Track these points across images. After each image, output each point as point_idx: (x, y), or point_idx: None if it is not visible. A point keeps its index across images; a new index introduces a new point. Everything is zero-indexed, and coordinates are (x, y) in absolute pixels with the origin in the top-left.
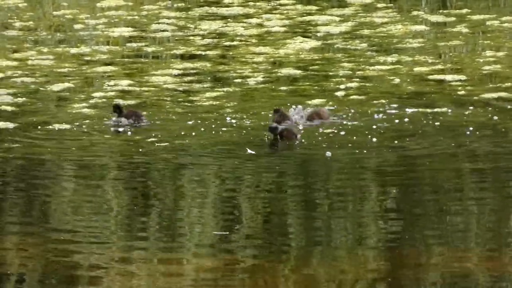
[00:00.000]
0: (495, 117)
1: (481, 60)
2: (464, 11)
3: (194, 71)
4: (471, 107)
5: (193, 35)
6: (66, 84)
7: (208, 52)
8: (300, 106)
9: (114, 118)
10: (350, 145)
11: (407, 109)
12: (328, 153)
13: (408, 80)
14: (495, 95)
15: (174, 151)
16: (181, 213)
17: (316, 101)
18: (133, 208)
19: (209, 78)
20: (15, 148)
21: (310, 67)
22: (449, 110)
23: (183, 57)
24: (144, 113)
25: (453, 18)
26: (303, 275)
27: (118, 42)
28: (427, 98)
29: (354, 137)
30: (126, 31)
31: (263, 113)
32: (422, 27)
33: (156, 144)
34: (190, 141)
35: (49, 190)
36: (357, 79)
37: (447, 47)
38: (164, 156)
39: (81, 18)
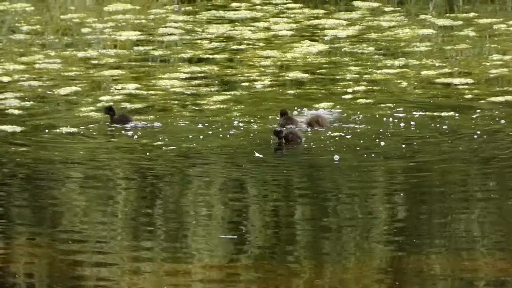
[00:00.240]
0: (502, 121)
1: (488, 64)
2: (471, 15)
3: (202, 74)
4: (478, 111)
5: (200, 39)
6: (74, 88)
7: (215, 56)
8: (306, 110)
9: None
10: (358, 148)
11: (414, 113)
12: (336, 157)
13: (415, 83)
14: (502, 98)
15: (182, 155)
16: (188, 217)
17: (323, 104)
18: (140, 211)
19: (216, 81)
20: (22, 151)
21: (317, 71)
22: (456, 114)
23: (190, 61)
24: (135, 117)
25: (460, 22)
26: (310, 280)
27: (125, 46)
28: (434, 101)
29: (361, 141)
30: (133, 35)
31: (270, 116)
32: (429, 31)
33: (164, 147)
34: (197, 144)
35: (56, 193)
36: (364, 83)
37: (454, 50)
38: (171, 160)
39: (89, 22)
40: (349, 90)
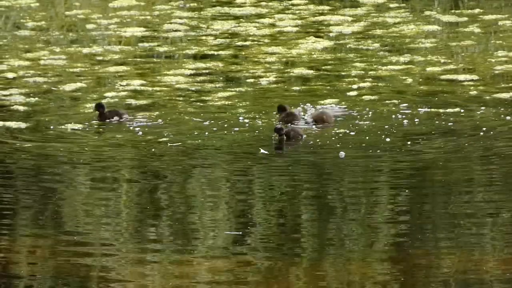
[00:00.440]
0: (508, 117)
1: (493, 60)
2: (476, 11)
3: (207, 71)
4: (483, 107)
5: (205, 35)
6: (79, 84)
7: (220, 52)
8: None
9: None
10: (363, 145)
11: (419, 109)
12: (342, 153)
13: (421, 80)
14: (507, 95)
15: (187, 151)
16: (194, 213)
17: (329, 101)
18: (145, 209)
19: (221, 78)
20: (27, 147)
21: (323, 67)
22: (462, 110)
23: (195, 57)
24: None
25: (465, 18)
26: (316, 276)
27: (130, 42)
28: (439, 98)
29: (367, 137)
30: (138, 31)
31: (275, 113)
32: (434, 27)
33: (169, 144)
34: (202, 141)
35: (61, 190)
36: (370, 79)
37: (459, 47)
38: (176, 156)
39: (93, 18)
40: (354, 86)
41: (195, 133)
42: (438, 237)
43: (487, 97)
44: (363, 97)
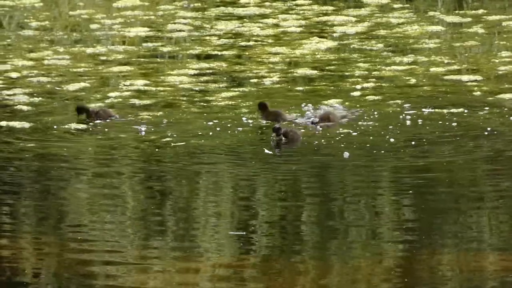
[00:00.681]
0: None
1: (497, 61)
2: (480, 11)
3: (210, 71)
4: (487, 108)
5: (209, 35)
6: (82, 84)
7: (224, 52)
8: (310, 105)
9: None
10: (368, 145)
11: (423, 110)
12: (346, 154)
13: (424, 80)
14: (511, 95)
15: (190, 151)
16: (197, 213)
17: (332, 101)
18: (149, 208)
19: (225, 78)
20: (31, 147)
21: (326, 68)
22: (465, 111)
23: (199, 57)
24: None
25: (469, 19)
26: (318, 278)
27: (134, 42)
28: (443, 98)
29: (371, 138)
30: (142, 31)
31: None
32: (438, 28)
33: (172, 144)
34: (206, 141)
35: (65, 189)
36: (373, 80)
37: (463, 47)
38: (180, 156)
39: (97, 18)
40: (358, 86)
41: (199, 133)
42: (443, 238)
43: (491, 98)
44: (367, 97)
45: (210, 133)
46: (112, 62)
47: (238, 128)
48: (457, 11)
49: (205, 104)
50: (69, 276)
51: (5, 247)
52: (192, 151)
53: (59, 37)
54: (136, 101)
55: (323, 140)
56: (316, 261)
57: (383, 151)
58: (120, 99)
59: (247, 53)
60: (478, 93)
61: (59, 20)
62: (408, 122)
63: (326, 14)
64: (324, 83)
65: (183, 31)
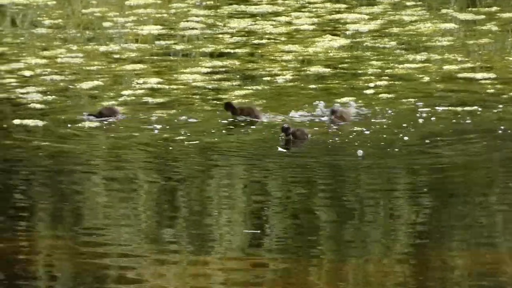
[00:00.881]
0: None
1: (511, 58)
2: (494, 9)
3: (223, 69)
4: (500, 106)
5: (222, 33)
6: (95, 82)
7: (237, 50)
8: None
9: (86, 115)
10: (381, 143)
11: (436, 107)
12: (360, 152)
13: (437, 78)
14: None
15: (204, 149)
16: (211, 212)
17: (345, 99)
18: (162, 206)
19: (238, 76)
20: (44, 146)
21: (339, 65)
22: (479, 109)
23: (212, 55)
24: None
25: (482, 16)
26: (332, 275)
27: (147, 40)
28: (456, 96)
29: (384, 136)
30: (155, 29)
31: (292, 111)
32: (451, 25)
33: (186, 142)
34: (219, 139)
35: (78, 188)
36: (386, 77)
37: (476, 45)
38: (193, 154)
39: (110, 16)
40: (371, 84)
41: (212, 131)
42: (457, 237)
43: (505, 95)
44: (380, 95)
45: (223, 131)
46: (125, 60)
47: (252, 126)
48: (470, 9)
49: (218, 102)
50: (84, 272)
51: (19, 247)
52: (205, 149)
53: (72, 35)
54: (149, 99)
55: (336, 139)
56: (329, 260)
57: (396, 149)
58: (133, 97)
59: (259, 51)
60: (492, 91)
61: (72, 18)
62: (421, 120)
63: (339, 12)
64: (337, 81)
65: (196, 29)
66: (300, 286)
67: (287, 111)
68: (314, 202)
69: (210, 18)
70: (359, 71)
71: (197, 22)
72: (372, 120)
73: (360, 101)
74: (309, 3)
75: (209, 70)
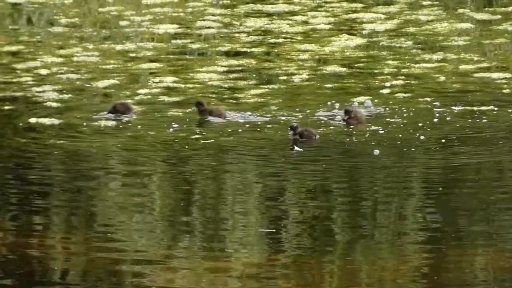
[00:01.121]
0: None
1: None
2: (510, 8)
3: (239, 68)
4: None
5: (238, 32)
6: (111, 81)
7: (253, 49)
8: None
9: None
10: (398, 143)
11: (452, 107)
12: (376, 151)
13: (454, 78)
14: None
15: (219, 148)
16: (226, 210)
17: (361, 98)
18: (177, 205)
19: (254, 75)
20: (60, 144)
21: (355, 65)
22: (495, 108)
23: (228, 54)
24: (135, 107)
25: (498, 16)
26: (347, 272)
27: (163, 39)
28: (472, 96)
29: (401, 135)
30: (171, 28)
31: (308, 110)
32: (467, 25)
33: (201, 141)
34: (235, 138)
35: (94, 186)
36: (402, 77)
37: (492, 45)
38: (209, 153)
39: (127, 14)
40: (387, 84)
41: (228, 130)
42: (473, 237)
43: None
44: (396, 95)
45: (239, 130)
46: (141, 59)
47: (267, 125)
48: (486, 8)
49: (234, 101)
50: (98, 273)
51: (34, 245)
52: (221, 149)
53: (88, 34)
54: (165, 98)
55: (354, 138)
56: (344, 260)
57: (413, 149)
58: (149, 96)
59: (276, 50)
60: (508, 90)
61: (89, 17)
62: (437, 120)
63: (355, 11)
64: (353, 81)
65: (212, 28)
66: (315, 286)
67: (305, 110)
68: (329, 201)
69: (227, 17)
70: (375, 71)
71: (214, 21)
72: (388, 120)
73: (376, 101)
74: (326, 2)
75: (225, 69)
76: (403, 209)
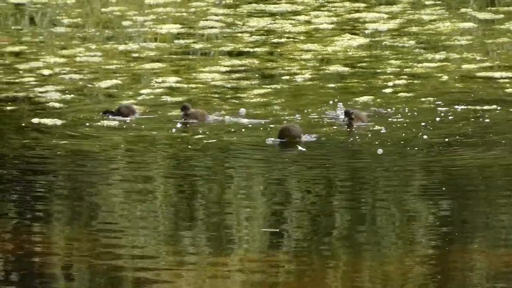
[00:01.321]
0: None
1: None
2: None
3: (242, 68)
4: None
5: (241, 32)
6: (114, 81)
7: (256, 49)
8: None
9: (102, 113)
10: (401, 142)
11: (455, 107)
12: (380, 151)
13: (456, 77)
14: None
15: (222, 148)
16: (229, 210)
17: (364, 98)
18: (180, 204)
19: (257, 75)
20: (63, 144)
21: (358, 64)
22: (498, 108)
23: (231, 54)
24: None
25: (501, 15)
26: (349, 274)
27: (166, 39)
28: (475, 95)
29: (403, 134)
30: (174, 28)
31: (310, 110)
32: (470, 24)
33: (205, 140)
34: (238, 138)
35: (97, 186)
36: (405, 77)
37: (495, 44)
38: (212, 153)
39: (129, 14)
40: (390, 83)
41: (231, 130)
42: (476, 236)
43: None
44: (399, 94)
45: (242, 130)
46: (144, 59)
47: (270, 125)
48: (489, 8)
49: (237, 101)
50: (100, 271)
51: (35, 245)
52: (224, 148)
53: (91, 34)
54: (168, 98)
55: (357, 137)
56: (348, 261)
57: (416, 148)
58: (152, 96)
59: (279, 50)
60: (510, 90)
61: (91, 17)
62: (440, 119)
63: (358, 11)
64: (356, 80)
65: (215, 28)
66: (317, 284)
67: (307, 110)
68: (332, 200)
69: (229, 17)
70: (378, 70)
71: (216, 21)
72: (391, 119)
73: (378, 100)
74: (328, 2)
75: (228, 69)
76: (406, 209)
